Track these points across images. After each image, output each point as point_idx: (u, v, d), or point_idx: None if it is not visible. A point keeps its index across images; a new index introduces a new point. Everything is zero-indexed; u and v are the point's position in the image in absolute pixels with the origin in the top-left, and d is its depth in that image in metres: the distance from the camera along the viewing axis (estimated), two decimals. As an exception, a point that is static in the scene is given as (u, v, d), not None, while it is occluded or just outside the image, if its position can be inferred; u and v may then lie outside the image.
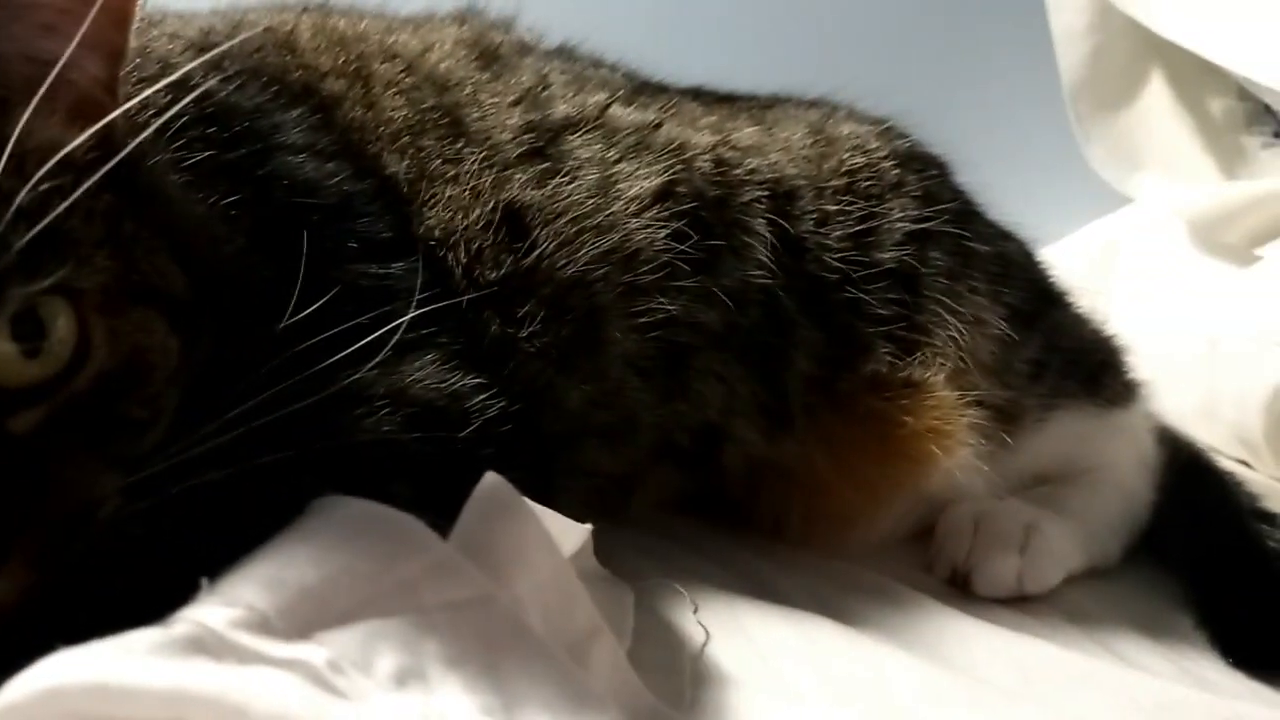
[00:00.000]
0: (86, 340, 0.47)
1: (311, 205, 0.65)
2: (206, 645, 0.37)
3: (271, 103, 0.69)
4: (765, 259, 0.78)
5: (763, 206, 0.80)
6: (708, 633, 0.62)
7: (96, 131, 0.49)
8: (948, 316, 0.82)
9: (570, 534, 0.56)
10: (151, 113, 0.56)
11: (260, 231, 0.61)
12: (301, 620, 0.40)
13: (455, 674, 0.40)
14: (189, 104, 0.59)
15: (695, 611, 0.64)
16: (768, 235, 0.79)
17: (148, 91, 0.53)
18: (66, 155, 0.46)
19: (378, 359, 0.58)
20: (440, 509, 0.50)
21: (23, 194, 0.43)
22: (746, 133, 0.85)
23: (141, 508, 0.48)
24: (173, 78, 0.55)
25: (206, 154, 0.60)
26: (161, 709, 0.33)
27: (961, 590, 0.80)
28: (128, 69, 0.52)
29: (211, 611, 0.38)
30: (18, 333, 0.45)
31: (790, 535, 0.82)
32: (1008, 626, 0.73)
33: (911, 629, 0.70)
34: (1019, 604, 0.79)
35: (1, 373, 0.44)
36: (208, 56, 0.64)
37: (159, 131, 0.56)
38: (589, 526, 0.59)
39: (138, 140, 0.50)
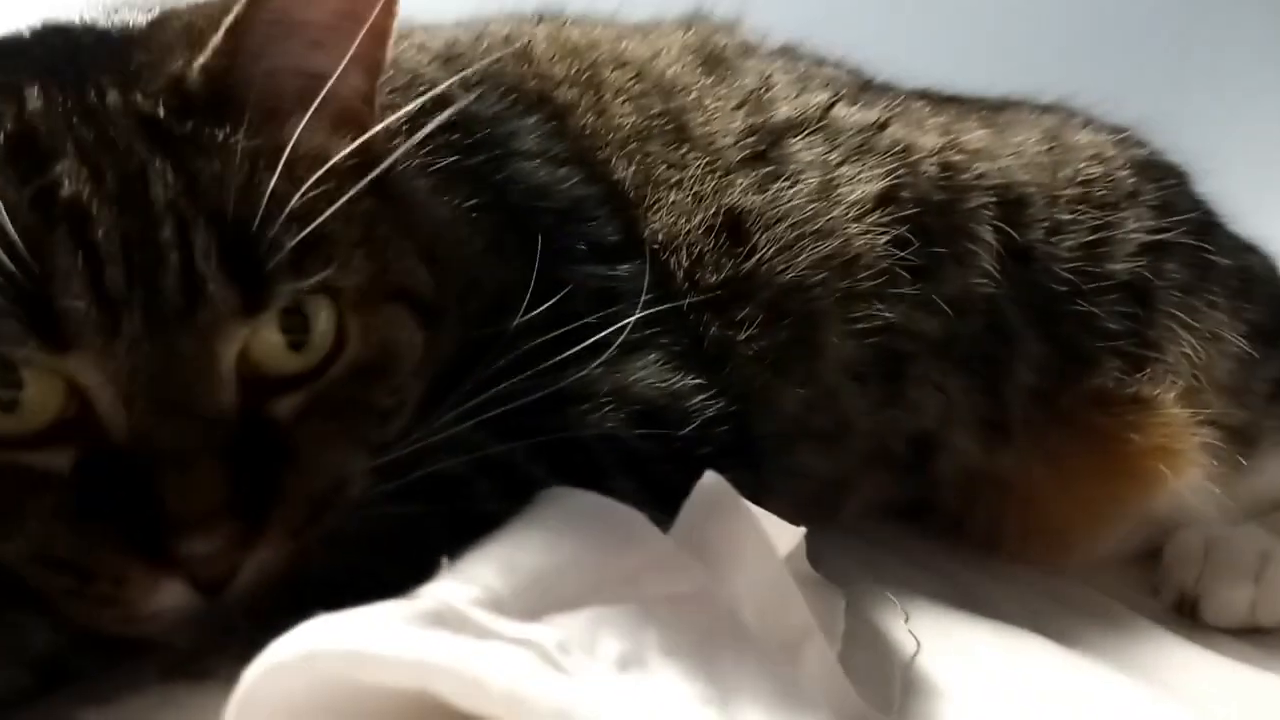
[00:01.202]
0: (343, 334, 0.51)
1: (544, 209, 0.68)
2: (448, 620, 0.39)
3: (509, 110, 0.72)
4: (990, 267, 0.77)
5: (990, 213, 0.78)
6: (918, 642, 0.62)
7: (359, 139, 0.53)
8: (1182, 332, 0.79)
9: (784, 535, 0.57)
10: (404, 121, 0.60)
11: (497, 234, 0.65)
12: (533, 603, 0.42)
13: (674, 663, 0.41)
14: (431, 109, 0.63)
15: (906, 620, 0.64)
16: (994, 243, 0.78)
17: (412, 105, 0.57)
18: (325, 157, 0.51)
19: (604, 357, 0.60)
20: (659, 505, 0.52)
21: (295, 199, 0.48)
22: (976, 135, 0.83)
23: (385, 490, 0.52)
24: (433, 92, 0.59)
25: (450, 159, 0.63)
26: (409, 677, 0.36)
27: (1189, 618, 0.77)
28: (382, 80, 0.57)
29: (452, 589, 0.41)
30: (285, 325, 0.49)
31: (1006, 549, 0.80)
32: (1237, 658, 0.70)
33: (1132, 653, 0.68)
34: (1250, 635, 0.76)
35: (270, 362, 0.49)
36: (460, 75, 0.68)
37: (407, 137, 0.60)
38: (803, 529, 0.60)
39: (401, 149, 0.54)
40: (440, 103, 0.65)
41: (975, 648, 0.63)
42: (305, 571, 0.48)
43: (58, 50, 0.52)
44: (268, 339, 0.48)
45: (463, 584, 0.42)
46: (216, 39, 0.49)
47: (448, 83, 0.65)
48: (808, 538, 0.61)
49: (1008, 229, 0.78)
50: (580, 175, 0.71)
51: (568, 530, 0.46)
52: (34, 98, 0.47)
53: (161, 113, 0.48)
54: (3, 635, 0.44)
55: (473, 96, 0.71)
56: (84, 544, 0.45)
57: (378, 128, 0.53)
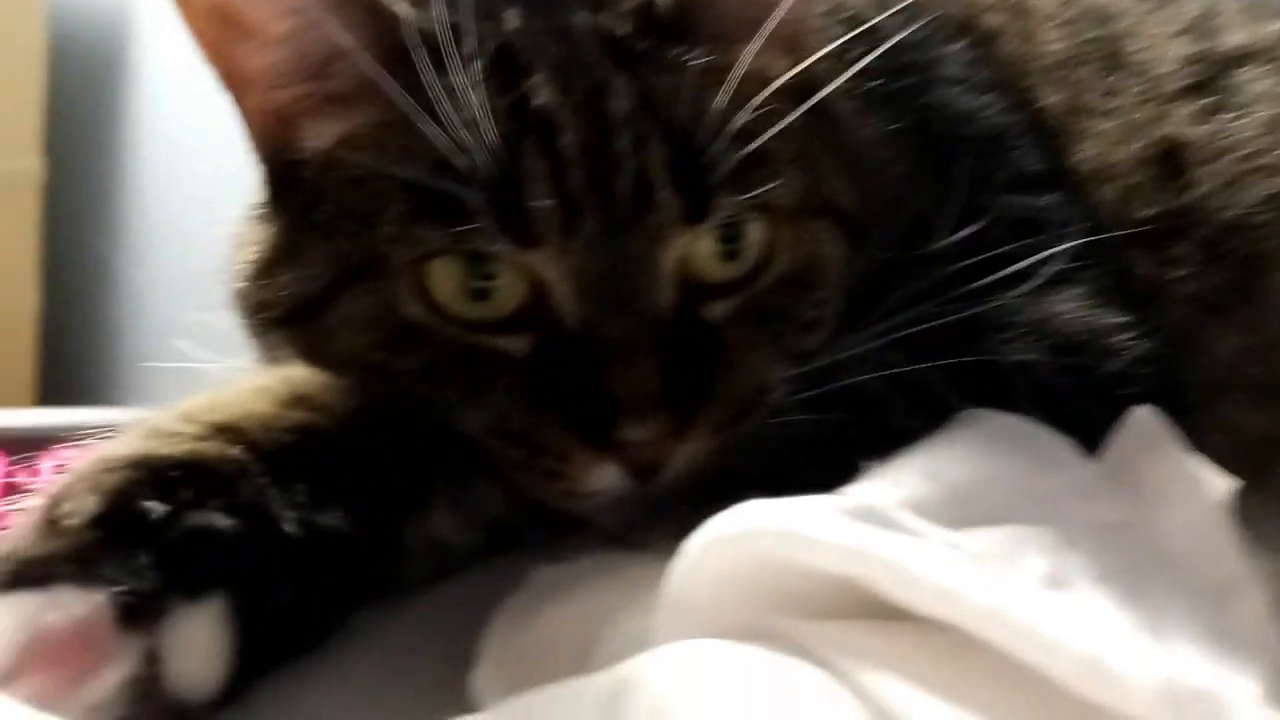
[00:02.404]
0: (773, 246, 0.53)
1: (966, 136, 0.67)
2: (875, 518, 0.40)
3: (934, 36, 0.72)
4: None
5: None
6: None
7: (797, 60, 0.55)
8: None
9: (1215, 484, 0.54)
10: (836, 44, 0.61)
11: (918, 158, 0.64)
12: (956, 512, 0.42)
13: (1102, 588, 0.40)
14: (862, 36, 0.63)
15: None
16: None
17: (852, 33, 0.58)
18: (772, 80, 0.52)
19: (1024, 288, 0.59)
20: (1072, 439, 0.51)
21: (740, 117, 0.50)
22: None
23: (802, 398, 0.53)
24: (870, 23, 0.59)
25: (875, 83, 0.64)
26: (842, 562, 0.37)
27: None
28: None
29: (879, 490, 0.42)
30: (719, 235, 0.52)
31: None
32: None
33: None
34: None
35: (705, 268, 0.52)
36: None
37: (836, 60, 0.61)
38: (1232, 482, 0.56)
39: (839, 78, 0.55)
40: (866, 30, 0.65)
41: None
42: (726, 467, 0.51)
43: None
44: (705, 247, 0.51)
45: (889, 486, 0.42)
46: None
47: (882, 16, 0.65)
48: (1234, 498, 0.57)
49: None
50: (1004, 103, 0.69)
51: (991, 448, 0.46)
52: (513, 18, 0.52)
53: (625, 31, 0.52)
54: (465, 498, 0.50)
55: (897, 22, 0.71)
56: (535, 422, 0.49)
57: (821, 52, 0.54)
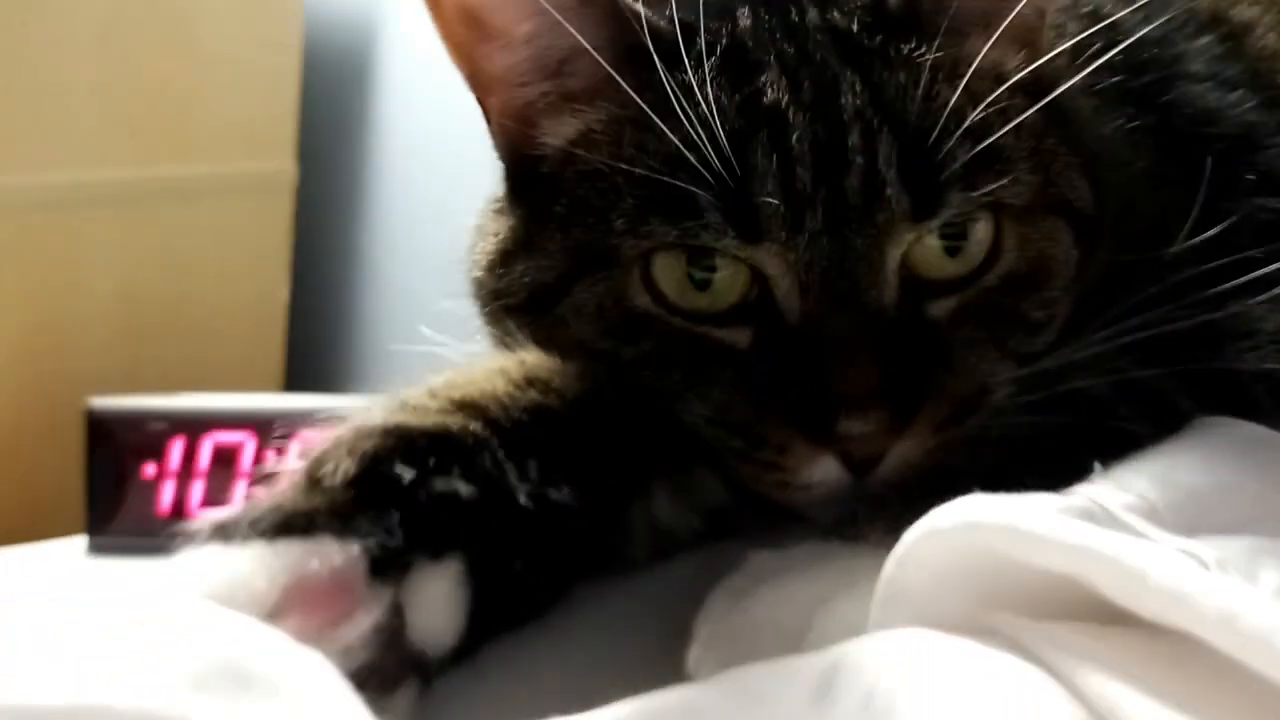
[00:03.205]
0: (998, 244, 0.52)
1: (1212, 135, 0.64)
2: (1100, 519, 0.40)
3: (1178, 31, 0.69)
4: None
5: None
6: None
7: (1032, 54, 0.54)
8: None
9: None
10: (1068, 37, 0.59)
11: (1159, 157, 0.62)
12: (1188, 519, 0.41)
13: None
14: (1101, 31, 0.61)
15: None
16: None
17: (1086, 32, 0.57)
18: (1005, 76, 0.52)
19: (1271, 294, 0.56)
20: None
21: (971, 114, 0.49)
22: None
23: (1025, 400, 0.53)
24: (1103, 24, 0.58)
25: (1114, 79, 0.62)
26: (1064, 560, 0.37)
27: None
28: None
29: (1106, 492, 0.41)
30: (943, 232, 0.51)
31: None
32: None
33: None
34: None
35: (927, 265, 0.51)
36: None
37: (1073, 56, 0.59)
38: None
39: (1075, 77, 0.53)
40: (1106, 26, 0.63)
41: None
42: (944, 466, 0.50)
43: None
44: (930, 243, 0.51)
45: (1117, 489, 0.41)
46: None
47: (1123, 11, 0.63)
48: None
49: None
50: (1255, 100, 0.66)
51: (1229, 456, 0.44)
52: (744, 17, 0.53)
53: (855, 28, 0.52)
54: (685, 485, 0.51)
55: (1139, 17, 0.69)
56: (755, 414, 0.50)
57: (1059, 49, 0.53)
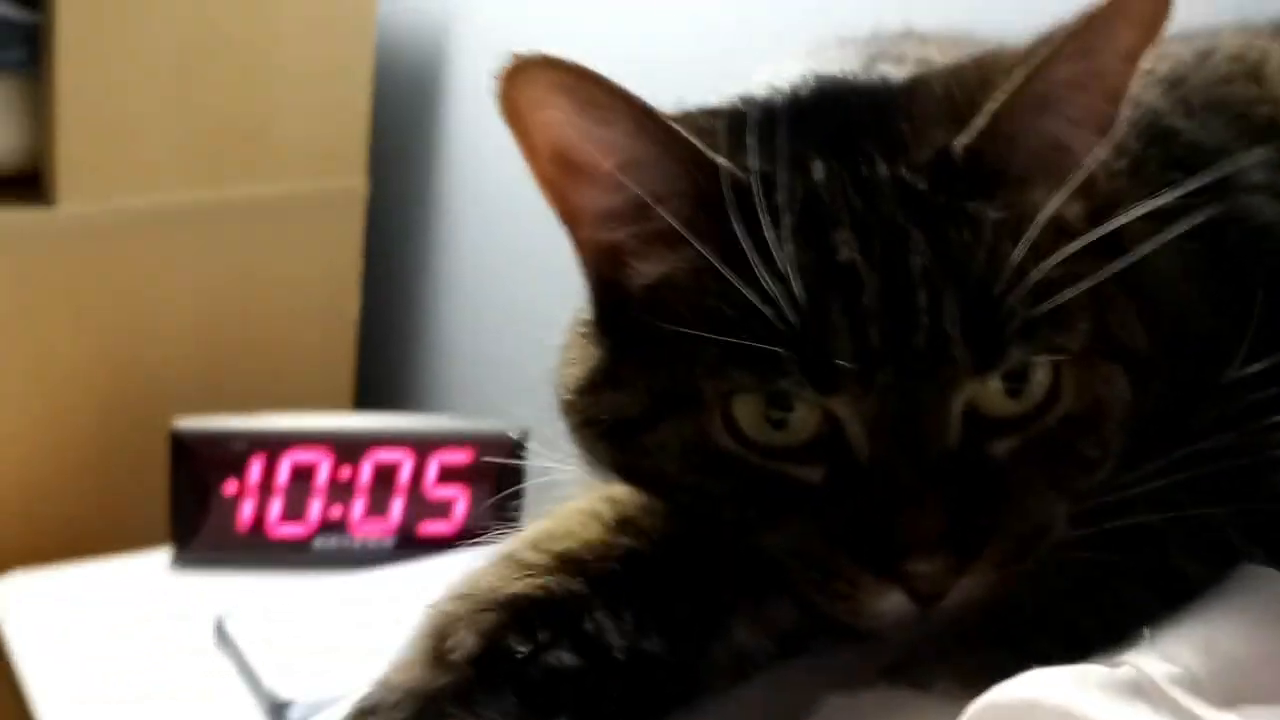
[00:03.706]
0: (1056, 387, 0.55)
1: (1269, 251, 0.66)
2: (1147, 693, 0.43)
3: (1235, 141, 0.70)
4: None
5: None
6: None
7: (1092, 200, 0.56)
8: None
9: None
10: (1127, 162, 0.61)
11: (1213, 277, 0.64)
12: (1229, 688, 0.44)
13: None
14: (1159, 146, 0.63)
15: None
16: None
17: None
18: (1067, 226, 0.55)
19: None
20: None
21: (1033, 271, 0.52)
22: None
23: (1079, 535, 0.56)
24: (1158, 135, 0.59)
25: (1171, 200, 0.63)
26: (1113, 746, 0.41)
27: None
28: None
29: (1153, 664, 0.45)
30: (1004, 374, 0.54)
31: None
32: None
33: None
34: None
35: (990, 405, 0.54)
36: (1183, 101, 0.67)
37: (1131, 173, 0.61)
38: None
39: (1129, 216, 0.56)
40: (1162, 136, 0.65)
41: None
42: (1005, 601, 0.54)
43: (831, 114, 0.60)
44: (992, 386, 0.54)
45: (1162, 660, 0.45)
46: (980, 122, 0.55)
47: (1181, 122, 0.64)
48: None
49: None
50: None
51: (1272, 622, 0.47)
52: (818, 169, 0.56)
53: (923, 186, 0.55)
54: (763, 612, 0.55)
55: (1194, 124, 0.70)
56: (828, 548, 0.54)
57: (1132, 212, 0.55)
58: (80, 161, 1.50)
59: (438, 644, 0.47)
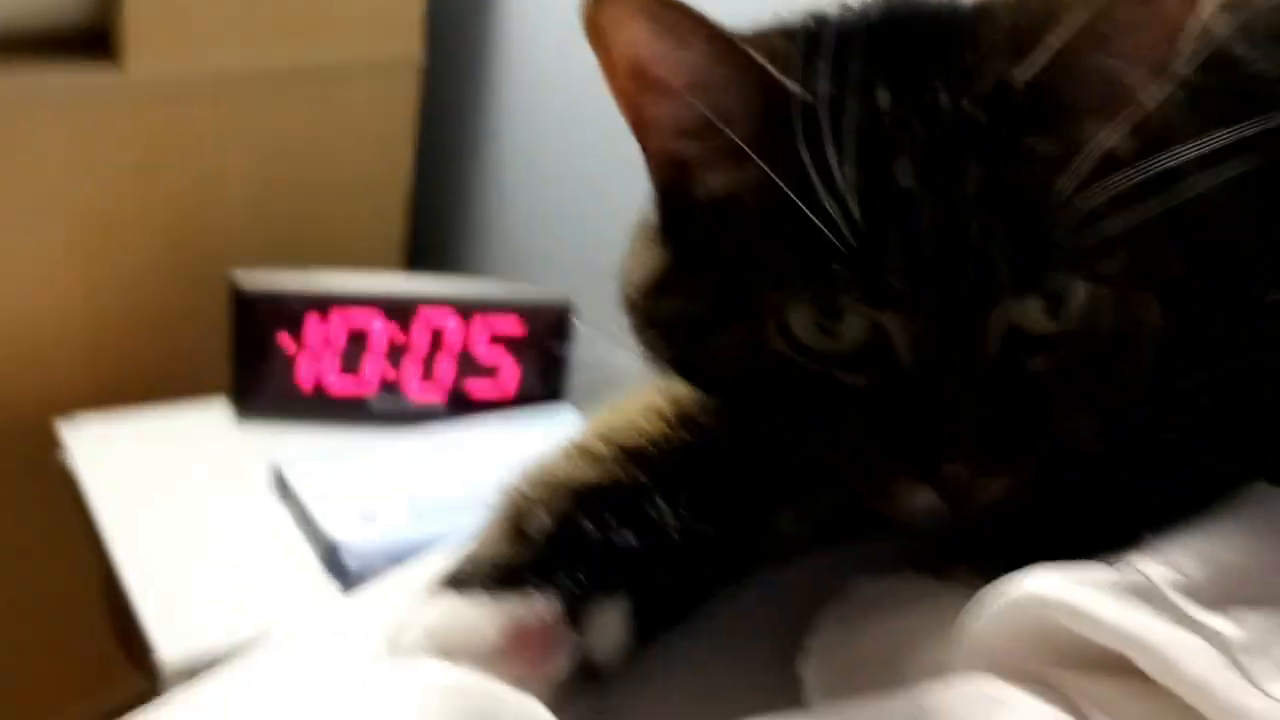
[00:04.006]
0: (1094, 311, 0.58)
1: None
2: (1145, 593, 0.48)
3: None
4: None
5: None
6: None
7: (1145, 134, 0.59)
8: None
9: None
10: (1183, 92, 0.63)
11: (1258, 202, 0.65)
12: (1222, 594, 0.49)
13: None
14: (1219, 75, 0.65)
15: None
16: None
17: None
18: (1116, 160, 0.57)
19: None
20: None
21: (1079, 201, 0.55)
22: None
23: (1104, 449, 0.60)
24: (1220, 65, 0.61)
25: (1226, 130, 0.65)
26: (1114, 641, 0.46)
27: None
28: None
29: (1155, 568, 0.50)
30: (1044, 296, 0.58)
31: None
32: None
33: None
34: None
35: (1030, 323, 0.58)
36: (1244, 26, 0.68)
37: (1189, 104, 0.63)
38: None
39: (1183, 156, 0.58)
40: (1223, 65, 0.66)
41: None
42: (1029, 504, 0.59)
43: (899, 39, 0.61)
44: (1031, 307, 0.58)
45: (1163, 564, 0.50)
46: (1041, 57, 0.56)
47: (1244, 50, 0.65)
48: None
49: None
50: None
51: (1270, 536, 0.52)
52: (884, 97, 0.59)
53: (983, 119, 0.57)
54: (807, 505, 0.61)
55: (1257, 53, 0.71)
56: (868, 448, 0.59)
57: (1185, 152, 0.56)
58: (147, 21, 1.53)
59: (517, 523, 0.53)
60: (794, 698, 0.51)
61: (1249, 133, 0.63)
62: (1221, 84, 0.66)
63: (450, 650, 0.49)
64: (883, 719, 0.47)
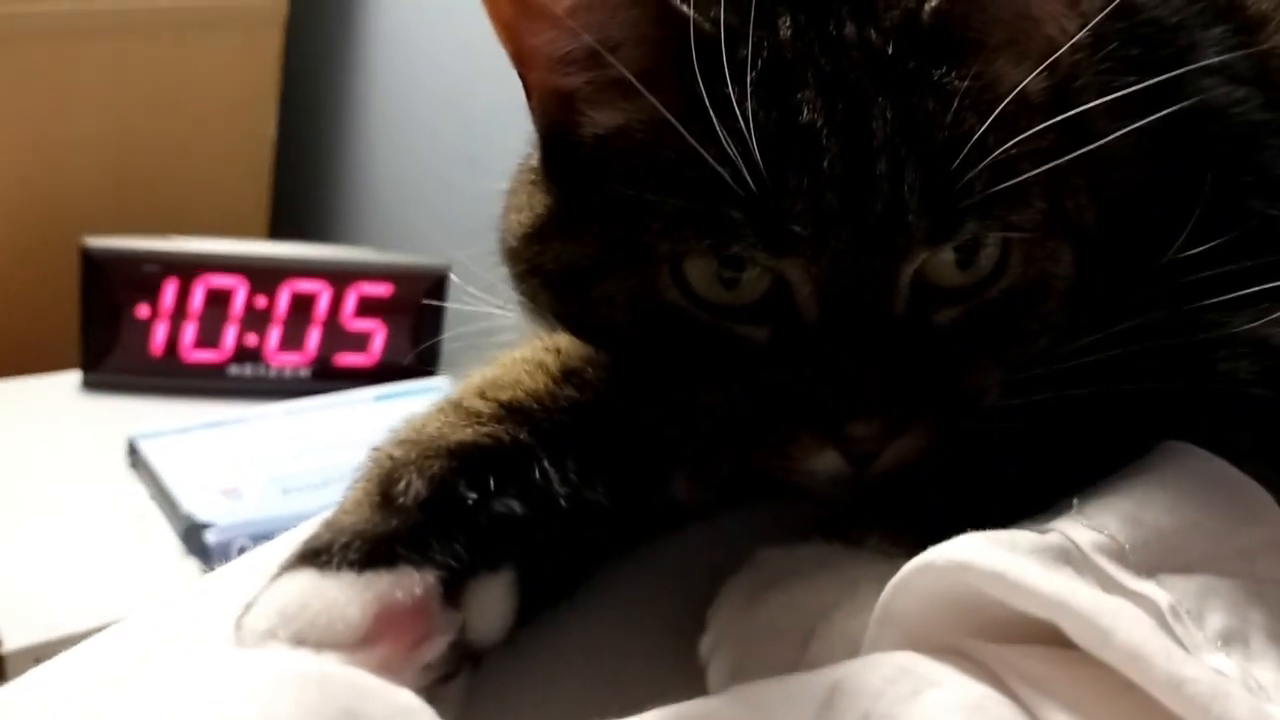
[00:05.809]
0: (1005, 261, 0.56)
1: (1216, 135, 0.66)
2: (1073, 560, 0.45)
3: (1194, 19, 0.70)
4: None
5: None
6: None
7: (1055, 75, 0.56)
8: None
9: None
10: (1088, 37, 0.61)
11: (1162, 159, 0.64)
12: (1149, 559, 0.47)
13: (1276, 648, 0.45)
14: (1120, 20, 0.63)
15: None
16: None
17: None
18: (1030, 100, 0.54)
19: (1259, 306, 0.59)
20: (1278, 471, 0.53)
21: (994, 145, 0.52)
22: None
23: (1011, 404, 0.57)
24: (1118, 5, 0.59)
25: (1128, 78, 0.63)
26: (1040, 608, 0.42)
27: None
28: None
29: (1080, 532, 0.46)
30: (954, 246, 0.55)
31: None
32: None
33: None
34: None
35: (939, 275, 0.55)
36: None
37: (1093, 49, 0.61)
38: None
39: (1101, 100, 0.55)
40: (1123, 9, 0.64)
41: None
42: (937, 464, 0.55)
43: None
44: (943, 257, 0.54)
45: (1089, 529, 0.47)
46: None
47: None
48: None
49: None
50: (1260, 99, 0.68)
51: (1192, 494, 0.49)
52: (785, 27, 0.55)
53: (891, 50, 0.54)
54: (702, 467, 0.56)
55: (1156, 1, 0.69)
56: (768, 406, 0.55)
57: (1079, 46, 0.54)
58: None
59: (385, 488, 0.47)
60: (695, 678, 0.47)
61: (1153, 82, 0.63)
62: (1121, 29, 0.64)
63: (307, 635, 0.42)
64: (797, 701, 0.42)
